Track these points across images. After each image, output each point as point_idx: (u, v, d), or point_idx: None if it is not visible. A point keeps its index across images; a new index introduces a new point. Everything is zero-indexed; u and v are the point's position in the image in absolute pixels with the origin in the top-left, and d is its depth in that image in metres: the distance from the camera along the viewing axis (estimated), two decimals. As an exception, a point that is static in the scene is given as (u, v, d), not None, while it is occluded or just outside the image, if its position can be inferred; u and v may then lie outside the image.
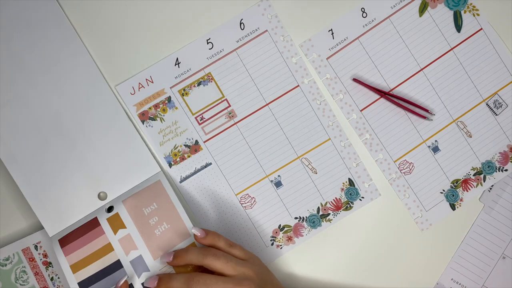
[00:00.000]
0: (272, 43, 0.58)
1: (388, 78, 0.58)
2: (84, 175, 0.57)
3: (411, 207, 0.59)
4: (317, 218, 0.59)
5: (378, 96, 0.58)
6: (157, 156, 0.58)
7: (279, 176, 0.59)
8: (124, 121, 0.57)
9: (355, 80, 0.58)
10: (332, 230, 0.59)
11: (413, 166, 0.59)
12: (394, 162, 0.59)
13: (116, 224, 0.56)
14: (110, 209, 0.56)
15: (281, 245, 0.59)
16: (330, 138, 0.59)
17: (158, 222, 0.56)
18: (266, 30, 0.58)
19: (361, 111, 0.59)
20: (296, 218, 0.59)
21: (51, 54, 0.57)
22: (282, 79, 0.59)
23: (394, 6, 0.58)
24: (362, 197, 0.59)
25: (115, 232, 0.56)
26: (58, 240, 0.55)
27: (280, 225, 0.59)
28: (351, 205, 0.59)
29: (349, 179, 0.59)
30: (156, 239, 0.56)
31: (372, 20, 0.58)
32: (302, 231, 0.59)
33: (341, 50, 0.58)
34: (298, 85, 0.59)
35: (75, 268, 0.55)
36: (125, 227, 0.56)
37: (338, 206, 0.59)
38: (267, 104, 0.59)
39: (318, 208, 0.59)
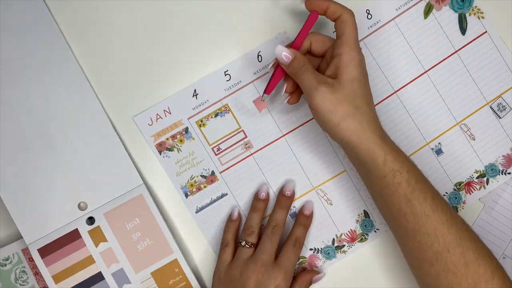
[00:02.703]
0: None
1: (392, 80, 0.58)
2: (66, 184, 0.56)
3: (414, 209, 0.59)
4: (332, 250, 0.59)
5: (382, 98, 0.58)
6: (174, 187, 0.58)
7: (294, 207, 0.59)
8: (109, 131, 0.57)
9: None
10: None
11: (416, 168, 0.59)
12: (398, 164, 0.59)
13: (98, 237, 0.56)
14: (90, 219, 0.56)
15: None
16: (345, 170, 0.59)
17: (141, 237, 0.57)
18: None
19: (364, 112, 0.59)
20: (311, 249, 0.59)
21: (39, 61, 0.56)
22: (298, 111, 0.58)
23: (399, 8, 0.58)
24: (377, 229, 0.59)
25: (96, 245, 0.56)
26: (38, 249, 0.56)
27: None
28: (366, 237, 0.59)
29: (364, 211, 0.59)
30: (138, 254, 0.57)
31: (377, 22, 0.58)
32: (317, 263, 0.59)
33: (345, 51, 0.58)
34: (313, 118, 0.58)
35: (57, 278, 0.56)
36: (106, 241, 0.57)
37: (353, 238, 0.59)
38: (283, 136, 0.59)
39: (333, 239, 0.59)
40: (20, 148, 0.56)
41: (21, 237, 0.56)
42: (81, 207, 0.57)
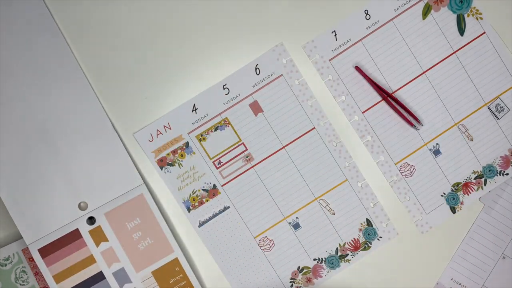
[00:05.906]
0: (287, 87, 0.58)
1: (390, 80, 0.58)
2: (66, 184, 0.57)
3: (411, 210, 0.59)
4: (336, 259, 0.59)
5: (380, 98, 0.58)
6: (175, 201, 0.59)
7: (297, 218, 0.59)
8: (110, 131, 0.57)
9: (357, 68, 0.57)
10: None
11: (414, 168, 0.59)
12: (395, 164, 0.59)
13: (99, 237, 0.57)
14: (90, 219, 0.57)
15: (300, 287, 0.59)
16: (347, 179, 0.59)
17: (142, 237, 0.57)
18: (281, 75, 0.58)
19: (363, 113, 0.59)
20: (315, 259, 0.59)
21: (39, 62, 0.57)
22: (298, 122, 0.59)
23: (398, 8, 0.58)
24: (380, 237, 0.59)
25: (97, 244, 0.57)
26: (38, 249, 0.56)
27: (299, 266, 0.59)
28: (369, 245, 0.59)
29: (367, 220, 0.59)
30: (139, 253, 0.57)
31: (376, 22, 0.58)
32: (321, 272, 0.59)
33: (344, 51, 0.58)
34: (314, 127, 0.59)
35: (57, 278, 0.56)
36: (107, 240, 0.57)
37: (357, 247, 0.59)
38: (283, 147, 0.59)
39: (337, 249, 0.59)
40: (20, 148, 0.56)
41: (21, 237, 0.57)
42: (82, 207, 0.57)
